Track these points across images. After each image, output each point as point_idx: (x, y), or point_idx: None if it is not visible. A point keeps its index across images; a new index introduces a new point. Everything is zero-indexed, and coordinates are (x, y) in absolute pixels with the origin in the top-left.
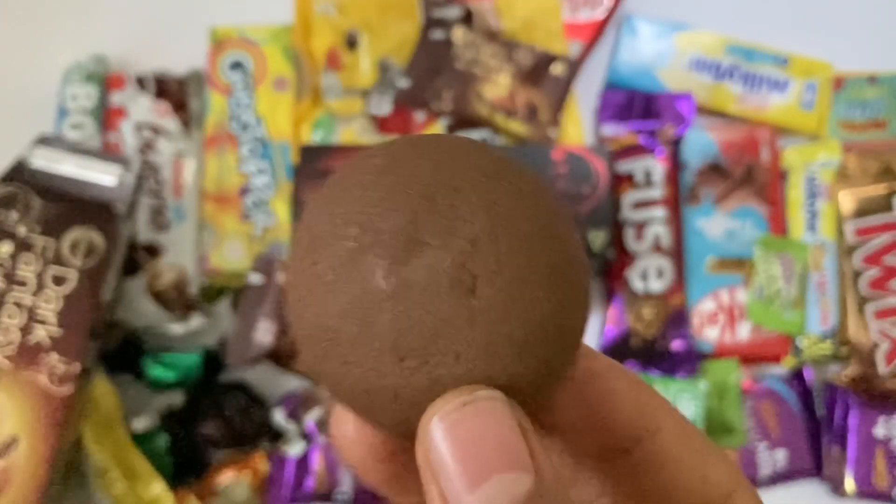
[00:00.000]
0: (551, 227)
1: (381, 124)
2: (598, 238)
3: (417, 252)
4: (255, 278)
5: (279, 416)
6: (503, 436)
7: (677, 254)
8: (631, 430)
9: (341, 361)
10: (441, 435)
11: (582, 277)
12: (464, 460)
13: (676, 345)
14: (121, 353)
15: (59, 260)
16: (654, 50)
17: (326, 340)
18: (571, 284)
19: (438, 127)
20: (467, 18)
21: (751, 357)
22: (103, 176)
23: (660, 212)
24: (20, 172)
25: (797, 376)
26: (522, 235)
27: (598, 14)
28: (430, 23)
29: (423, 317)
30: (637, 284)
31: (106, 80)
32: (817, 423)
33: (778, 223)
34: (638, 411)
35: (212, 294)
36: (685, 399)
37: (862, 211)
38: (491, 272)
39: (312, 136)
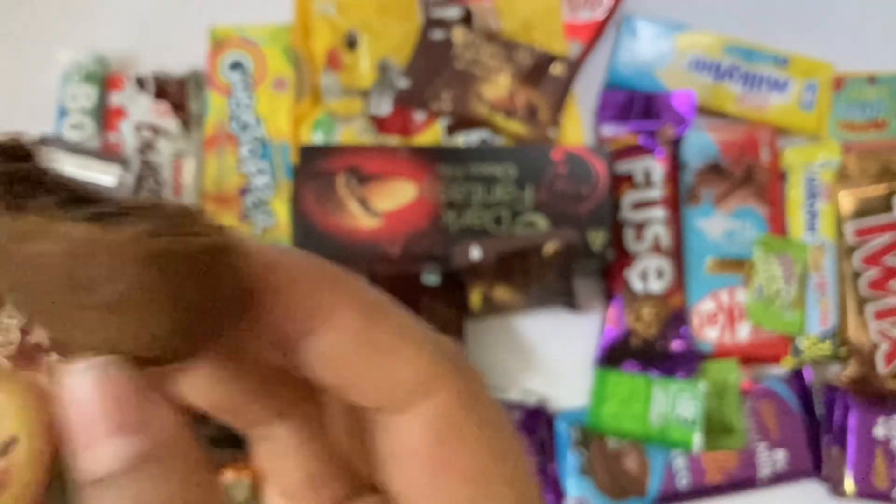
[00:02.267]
0: None
1: (381, 124)
2: (597, 238)
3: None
4: None
5: None
6: (110, 402)
7: (677, 254)
8: (288, 332)
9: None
10: (65, 396)
11: None
12: (77, 423)
13: (676, 345)
14: None
15: None
16: (653, 50)
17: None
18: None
19: (438, 127)
20: (467, 18)
21: (750, 357)
22: (103, 176)
23: (659, 212)
24: None
25: (797, 377)
26: None
27: (598, 14)
28: (430, 23)
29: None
30: (637, 285)
31: (106, 80)
32: (817, 423)
33: (778, 223)
34: (299, 309)
35: None
36: (685, 399)
37: (862, 211)
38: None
39: (312, 137)
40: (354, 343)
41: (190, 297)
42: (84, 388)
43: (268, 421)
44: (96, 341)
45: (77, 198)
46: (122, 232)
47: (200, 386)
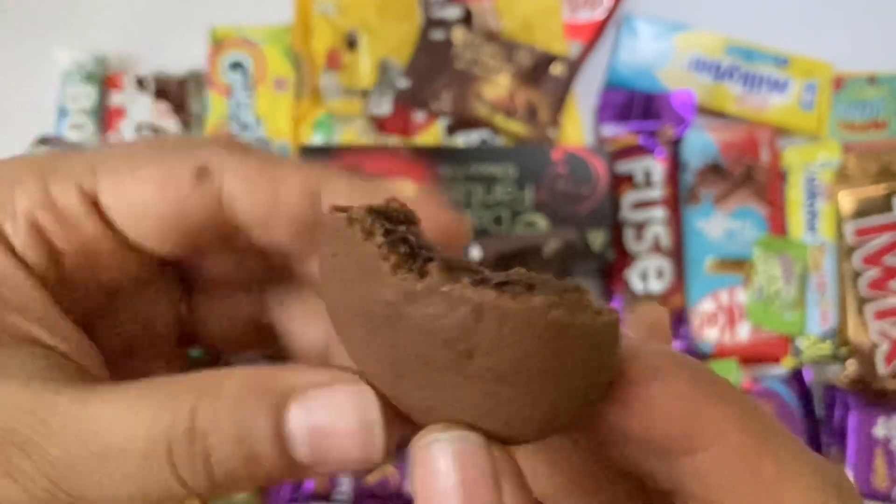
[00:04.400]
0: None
1: (381, 124)
2: (597, 238)
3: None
4: None
5: None
6: (467, 479)
7: (677, 254)
8: (670, 444)
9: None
10: (416, 461)
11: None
12: (427, 494)
13: (676, 345)
14: None
15: None
16: (653, 50)
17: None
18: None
19: (438, 127)
20: (467, 18)
21: (750, 357)
22: None
23: (659, 212)
24: None
25: (797, 377)
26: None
27: (598, 14)
28: (430, 23)
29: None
30: (637, 285)
31: (106, 81)
32: (817, 423)
33: (778, 223)
34: (684, 424)
35: None
36: None
37: (862, 211)
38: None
39: (312, 137)
40: (743, 470)
41: (580, 376)
42: (445, 459)
43: None
44: (462, 411)
45: (453, 265)
46: (533, 300)
47: (536, 469)
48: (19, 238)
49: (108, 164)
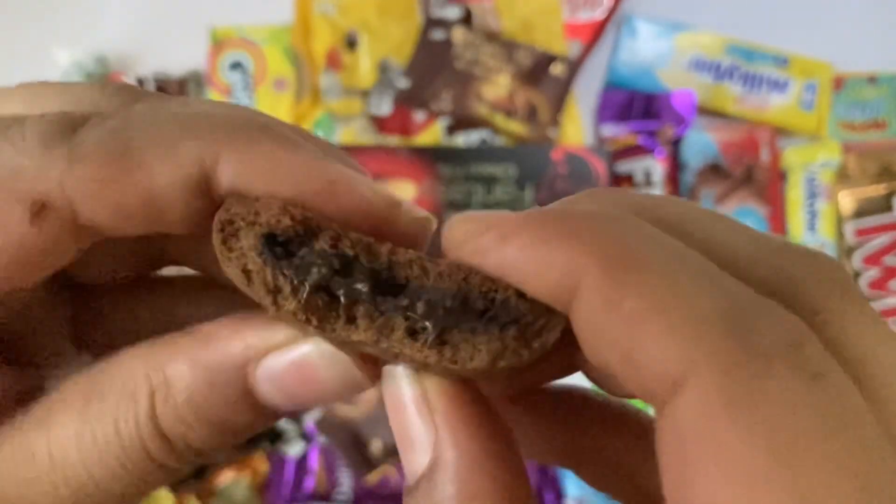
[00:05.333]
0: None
1: (381, 124)
2: None
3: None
4: None
5: None
6: (402, 417)
7: None
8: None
9: None
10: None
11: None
12: (389, 416)
13: None
14: None
15: None
16: (653, 50)
17: None
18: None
19: (438, 127)
20: (467, 18)
21: None
22: None
23: None
24: None
25: None
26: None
27: (598, 14)
28: (430, 23)
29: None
30: None
31: (106, 80)
32: None
33: (778, 223)
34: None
35: None
36: None
37: (862, 211)
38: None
39: None
40: (603, 312)
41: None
42: (388, 390)
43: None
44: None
45: (380, 307)
46: (475, 360)
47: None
48: None
49: None
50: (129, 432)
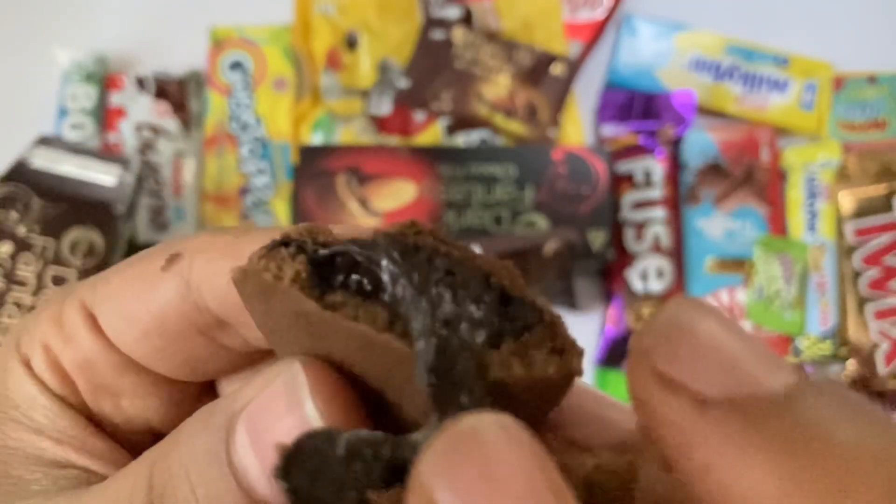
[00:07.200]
0: None
1: (381, 124)
2: (597, 238)
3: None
4: None
5: None
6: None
7: (677, 254)
8: None
9: None
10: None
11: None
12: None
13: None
14: None
15: (58, 260)
16: (653, 50)
17: None
18: None
19: (438, 127)
20: (467, 18)
21: None
22: (103, 176)
23: (659, 212)
24: (20, 172)
25: None
26: None
27: (598, 14)
28: (430, 23)
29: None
30: (637, 285)
31: (106, 80)
32: None
33: (778, 223)
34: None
35: None
36: None
37: (862, 211)
38: None
39: (312, 137)
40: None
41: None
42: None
43: None
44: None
45: (365, 291)
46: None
47: None
48: (36, 361)
49: (106, 273)
50: None
